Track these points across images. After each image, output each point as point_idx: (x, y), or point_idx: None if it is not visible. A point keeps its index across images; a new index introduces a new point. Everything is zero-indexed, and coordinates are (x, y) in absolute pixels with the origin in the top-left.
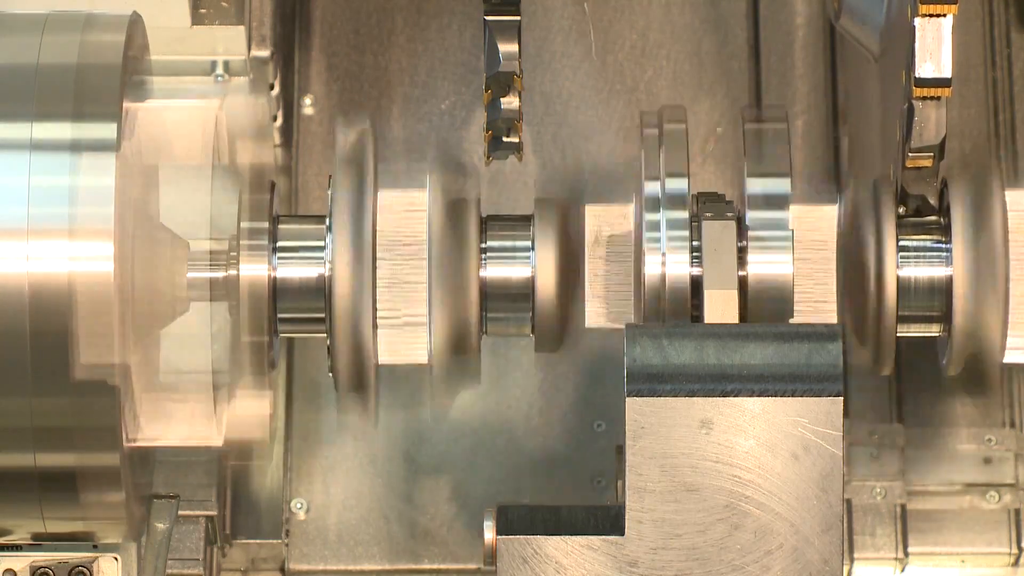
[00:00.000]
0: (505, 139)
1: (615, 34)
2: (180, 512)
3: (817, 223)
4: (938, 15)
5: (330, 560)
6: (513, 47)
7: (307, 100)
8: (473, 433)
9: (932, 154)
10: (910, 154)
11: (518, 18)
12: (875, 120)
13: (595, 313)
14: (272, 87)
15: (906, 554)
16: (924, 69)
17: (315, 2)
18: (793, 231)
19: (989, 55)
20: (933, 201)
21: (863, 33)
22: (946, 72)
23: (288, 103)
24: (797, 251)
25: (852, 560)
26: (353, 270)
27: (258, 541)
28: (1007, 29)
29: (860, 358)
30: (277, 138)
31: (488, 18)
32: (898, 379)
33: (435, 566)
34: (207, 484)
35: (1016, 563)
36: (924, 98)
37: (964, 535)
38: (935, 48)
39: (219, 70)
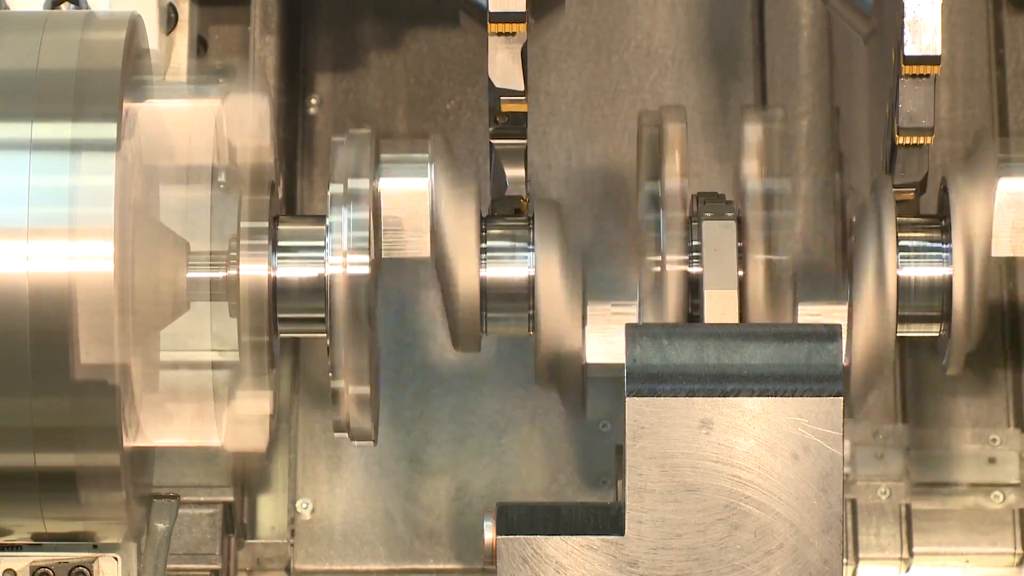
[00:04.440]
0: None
1: (620, 34)
2: (197, 499)
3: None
4: None
5: (335, 560)
6: (520, 172)
7: (312, 100)
8: (479, 433)
9: (923, 135)
10: (899, 131)
11: (524, 142)
12: (864, 100)
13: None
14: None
15: (911, 554)
16: (913, 47)
17: (320, 2)
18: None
19: (993, 54)
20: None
21: (852, 12)
22: (935, 50)
23: (293, 103)
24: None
25: (857, 560)
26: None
27: (264, 541)
28: (1003, 27)
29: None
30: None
31: (494, 142)
32: (903, 379)
33: (440, 566)
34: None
35: (1021, 563)
36: (913, 76)
37: (968, 535)
38: (924, 25)
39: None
